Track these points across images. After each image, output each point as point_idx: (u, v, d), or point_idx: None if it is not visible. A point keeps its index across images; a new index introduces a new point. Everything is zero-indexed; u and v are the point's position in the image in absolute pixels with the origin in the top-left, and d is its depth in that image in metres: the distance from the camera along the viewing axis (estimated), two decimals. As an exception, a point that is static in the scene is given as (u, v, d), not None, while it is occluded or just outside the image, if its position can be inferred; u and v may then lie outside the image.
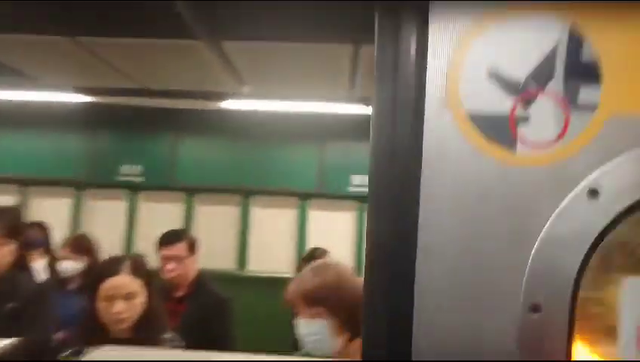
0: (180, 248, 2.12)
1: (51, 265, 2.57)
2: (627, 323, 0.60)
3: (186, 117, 4.68)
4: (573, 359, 0.63)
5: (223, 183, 4.80)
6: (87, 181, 4.88)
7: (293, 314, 1.09)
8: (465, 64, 0.97)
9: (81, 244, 2.64)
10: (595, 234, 0.68)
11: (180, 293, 2.07)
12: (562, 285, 0.94)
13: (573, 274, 0.75)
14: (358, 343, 1.05)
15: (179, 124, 4.79)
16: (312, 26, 2.66)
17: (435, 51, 0.90)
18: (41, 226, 2.89)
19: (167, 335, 1.41)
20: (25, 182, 4.90)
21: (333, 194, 4.79)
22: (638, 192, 0.66)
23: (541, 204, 0.85)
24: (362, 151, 5.03)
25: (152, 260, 2.02)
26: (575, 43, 0.91)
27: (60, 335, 1.85)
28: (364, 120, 3.92)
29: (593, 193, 0.69)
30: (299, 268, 3.26)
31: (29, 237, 2.33)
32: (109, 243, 4.80)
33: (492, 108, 0.99)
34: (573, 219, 0.73)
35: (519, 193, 0.94)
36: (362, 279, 1.09)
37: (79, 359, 0.95)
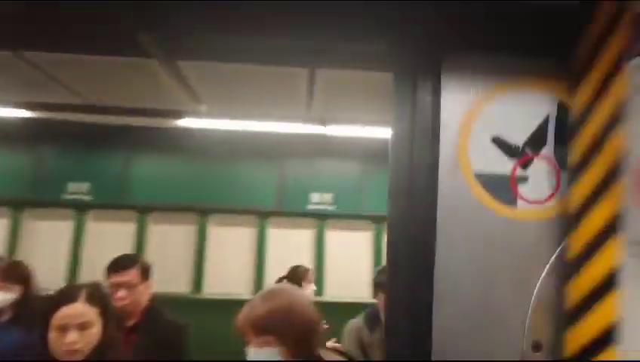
0: (131, 274, 2.04)
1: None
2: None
3: (140, 134, 4.58)
4: None
5: (178, 201, 4.73)
6: (28, 200, 4.60)
7: (244, 342, 1.07)
8: (473, 130, 1.19)
9: (14, 272, 2.46)
10: None
11: (131, 322, 2.00)
12: (560, 325, 1.15)
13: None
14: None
15: (132, 142, 4.67)
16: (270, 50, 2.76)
17: (445, 122, 1.10)
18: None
19: None
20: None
21: (293, 212, 4.84)
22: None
23: (540, 252, 1.04)
24: (321, 170, 5.16)
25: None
26: (562, 113, 1.14)
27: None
28: (322, 139, 4.03)
29: None
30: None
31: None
32: (51, 268, 4.54)
33: (496, 169, 1.22)
34: None
35: (521, 243, 1.16)
36: (311, 304, 1.17)
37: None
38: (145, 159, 4.78)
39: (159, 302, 2.15)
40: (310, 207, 4.78)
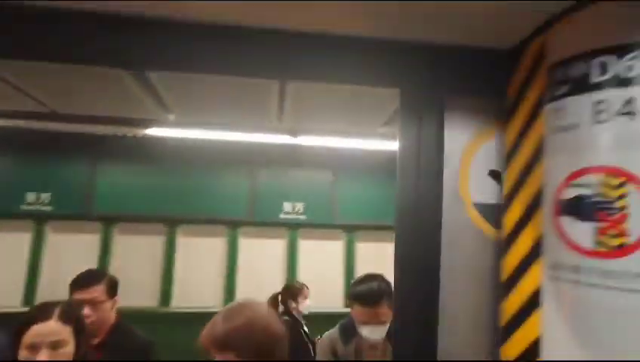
0: (97, 291, 2.02)
1: None
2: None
3: (105, 143, 4.53)
4: None
5: (145, 212, 4.69)
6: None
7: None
8: (472, 163, 1.38)
9: None
10: None
11: (97, 340, 2.01)
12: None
13: None
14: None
15: (97, 150, 4.61)
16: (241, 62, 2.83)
17: (449, 155, 1.28)
18: None
19: None
20: None
21: (264, 222, 4.91)
22: None
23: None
24: (292, 179, 5.26)
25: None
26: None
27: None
28: (294, 149, 4.12)
29: None
30: (274, 303, 3.26)
31: None
32: (7, 284, 4.40)
33: (490, 200, 1.41)
34: None
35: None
36: (276, 318, 1.27)
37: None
38: (110, 168, 4.73)
39: (126, 318, 2.17)
40: (282, 216, 4.87)
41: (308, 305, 3.35)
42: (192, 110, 3.91)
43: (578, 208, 1.03)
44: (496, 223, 1.27)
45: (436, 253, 1.26)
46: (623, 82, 0.98)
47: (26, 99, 3.60)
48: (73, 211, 4.61)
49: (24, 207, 4.54)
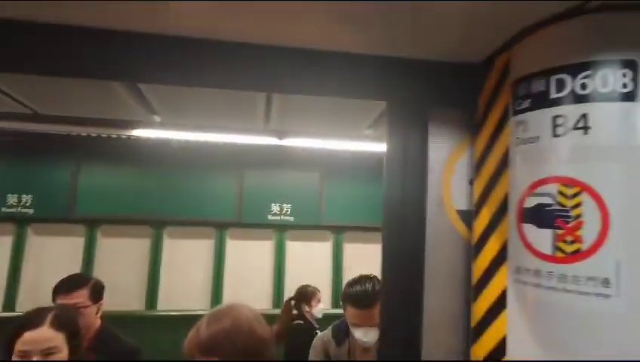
0: (81, 296, 2.02)
1: None
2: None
3: (89, 144, 4.53)
4: None
5: (130, 213, 4.70)
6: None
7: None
8: (454, 172, 1.48)
9: None
10: None
11: None
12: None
13: None
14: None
15: (81, 152, 4.61)
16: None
17: (433, 164, 1.39)
18: None
19: None
20: None
21: (252, 223, 4.96)
22: None
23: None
24: (280, 181, 5.30)
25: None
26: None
27: None
28: (281, 150, 4.18)
29: None
30: (288, 307, 3.27)
31: None
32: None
33: (470, 206, 1.51)
34: None
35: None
36: (262, 321, 1.32)
37: None
38: (94, 169, 4.74)
39: (112, 322, 2.18)
40: (270, 217, 4.93)
41: (321, 308, 3.38)
42: (179, 112, 3.95)
43: (539, 216, 1.12)
44: (471, 229, 1.36)
45: (420, 255, 1.35)
46: (577, 99, 1.07)
47: (8, 100, 3.60)
48: (56, 213, 4.61)
49: (5, 210, 4.53)
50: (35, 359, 1.27)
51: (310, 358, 2.51)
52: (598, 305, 1.03)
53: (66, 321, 1.42)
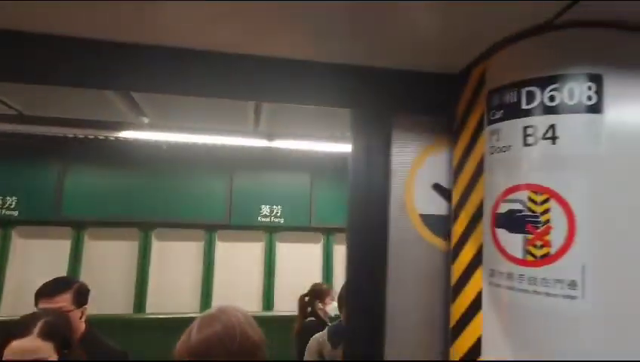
0: (64, 300, 2.02)
1: None
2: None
3: (75, 145, 4.54)
4: None
5: (118, 215, 4.72)
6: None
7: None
8: (417, 177, 1.55)
9: None
10: None
11: None
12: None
13: None
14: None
15: (68, 153, 4.62)
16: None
17: (396, 169, 1.46)
18: None
19: None
20: None
21: (242, 225, 5.00)
22: None
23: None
24: (270, 182, 5.34)
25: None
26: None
27: None
28: (271, 152, 4.23)
29: None
30: (302, 304, 3.31)
31: None
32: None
33: (435, 211, 1.59)
34: None
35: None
36: (254, 324, 1.36)
37: None
38: (81, 171, 4.75)
39: (99, 326, 2.19)
40: (260, 219, 4.98)
41: (335, 306, 3.43)
42: (167, 114, 3.98)
43: (510, 221, 1.19)
44: (444, 233, 1.43)
45: (383, 256, 1.41)
46: (546, 110, 1.14)
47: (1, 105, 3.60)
48: (42, 215, 4.62)
49: (-12, 212, 4.53)
50: None
51: (305, 358, 2.54)
52: (566, 306, 1.10)
53: (56, 330, 1.40)
